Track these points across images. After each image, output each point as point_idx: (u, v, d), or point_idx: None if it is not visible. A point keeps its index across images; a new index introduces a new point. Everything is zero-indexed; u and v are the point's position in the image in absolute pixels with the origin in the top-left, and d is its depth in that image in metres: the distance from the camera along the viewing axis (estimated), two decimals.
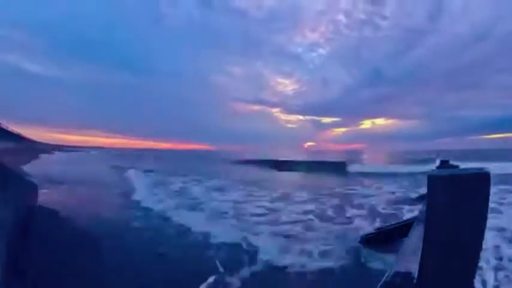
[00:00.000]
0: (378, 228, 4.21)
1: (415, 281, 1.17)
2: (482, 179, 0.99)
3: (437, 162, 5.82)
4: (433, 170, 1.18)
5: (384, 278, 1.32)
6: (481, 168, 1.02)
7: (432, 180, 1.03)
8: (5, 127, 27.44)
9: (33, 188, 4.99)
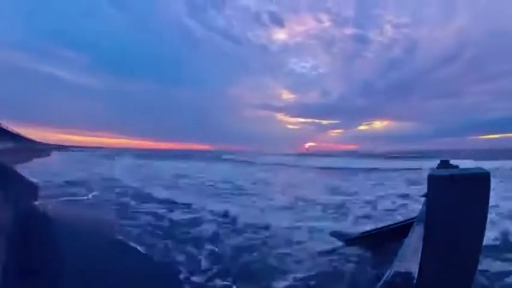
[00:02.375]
0: (377, 228, 4.18)
1: (415, 281, 1.16)
2: (482, 179, 0.98)
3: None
4: (433, 170, 1.16)
5: (383, 278, 1.31)
6: (481, 168, 1.01)
7: (432, 180, 1.03)
8: (4, 127, 27.28)
9: (33, 188, 4.99)
